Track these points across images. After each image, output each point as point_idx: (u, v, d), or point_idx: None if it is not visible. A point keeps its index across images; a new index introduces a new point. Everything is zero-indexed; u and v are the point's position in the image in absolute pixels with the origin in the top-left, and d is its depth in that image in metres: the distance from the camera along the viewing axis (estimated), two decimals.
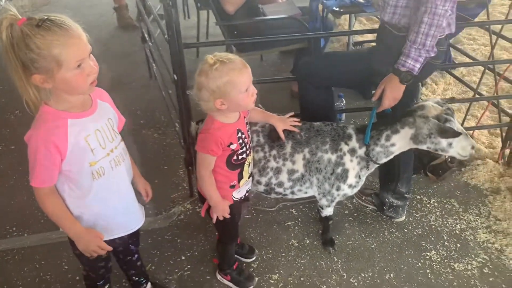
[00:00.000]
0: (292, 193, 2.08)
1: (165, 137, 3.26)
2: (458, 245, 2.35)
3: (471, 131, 3.05)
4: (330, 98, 2.44)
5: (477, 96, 2.94)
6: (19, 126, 3.29)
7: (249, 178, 1.87)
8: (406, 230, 2.44)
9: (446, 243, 2.36)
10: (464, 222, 2.50)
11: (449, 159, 2.86)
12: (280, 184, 2.03)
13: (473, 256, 2.28)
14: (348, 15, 3.75)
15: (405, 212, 2.50)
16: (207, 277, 2.18)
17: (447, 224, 2.48)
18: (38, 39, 1.23)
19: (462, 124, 3.00)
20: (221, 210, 1.79)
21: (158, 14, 3.07)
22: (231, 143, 1.67)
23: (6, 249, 2.33)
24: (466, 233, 2.42)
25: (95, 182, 1.49)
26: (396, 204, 2.43)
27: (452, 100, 2.08)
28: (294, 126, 1.97)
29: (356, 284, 2.15)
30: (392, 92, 1.96)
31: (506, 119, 2.92)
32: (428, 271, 2.21)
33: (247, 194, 1.93)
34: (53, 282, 2.16)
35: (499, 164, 2.85)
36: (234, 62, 1.55)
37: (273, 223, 2.49)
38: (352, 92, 3.43)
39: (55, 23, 1.25)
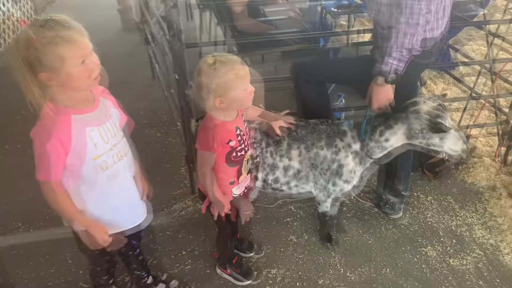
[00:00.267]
0: (289, 188, 2.13)
1: (167, 136, 3.32)
2: (454, 241, 2.39)
3: (468, 130, 3.10)
4: (324, 93, 2.46)
5: (473, 95, 2.98)
6: (24, 125, 3.35)
7: (248, 174, 1.93)
8: (402, 227, 2.49)
9: (442, 239, 2.40)
10: (460, 218, 2.54)
11: (446, 157, 2.90)
12: (276, 180, 2.08)
13: (468, 251, 2.33)
14: (347, 17, 3.80)
15: (402, 209, 2.55)
16: (207, 271, 2.23)
17: (443, 221, 2.52)
18: (43, 38, 1.28)
19: (459, 123, 3.04)
20: (221, 207, 1.84)
21: (161, 16, 3.13)
22: (230, 140, 1.72)
23: (13, 244, 2.40)
24: (462, 229, 2.47)
25: (99, 176, 1.53)
26: (392, 200, 2.48)
27: (444, 96, 2.12)
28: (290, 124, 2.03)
29: (353, 278, 2.20)
30: (379, 93, 1.99)
31: (503, 118, 2.97)
32: (423, 266, 2.25)
33: (245, 190, 1.98)
34: (58, 277, 2.22)
35: (495, 162, 2.89)
36: (232, 62, 1.60)
37: (272, 220, 2.55)
38: (351, 92, 3.47)
39: (58, 22, 1.31)
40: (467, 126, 3.07)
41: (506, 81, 2.97)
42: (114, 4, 5.77)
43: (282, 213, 2.59)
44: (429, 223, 2.51)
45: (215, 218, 1.88)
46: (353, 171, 2.07)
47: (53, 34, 1.29)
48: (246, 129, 1.86)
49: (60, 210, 1.53)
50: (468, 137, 3.07)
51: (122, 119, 1.69)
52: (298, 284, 2.17)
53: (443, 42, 2.12)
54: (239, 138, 1.76)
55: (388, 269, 2.24)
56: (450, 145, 1.93)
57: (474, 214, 2.57)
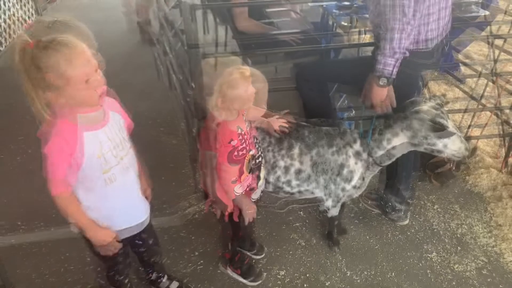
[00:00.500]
0: (299, 192, 2.22)
1: (171, 136, 3.45)
2: (459, 247, 2.45)
3: (476, 141, 3.16)
4: (325, 94, 2.53)
5: (480, 107, 3.06)
6: (26, 125, 3.38)
7: (249, 173, 2.00)
8: (409, 233, 2.56)
9: (447, 246, 2.47)
10: (465, 226, 2.60)
11: (453, 168, 2.98)
12: (288, 183, 2.18)
13: (472, 258, 2.39)
14: (358, 32, 3.91)
15: (408, 217, 2.62)
16: (218, 271, 2.33)
17: (449, 228, 2.59)
18: (47, 59, 1.33)
19: (466, 134, 3.11)
20: (223, 206, 1.92)
21: (179, 29, 3.28)
22: (232, 140, 1.79)
23: (34, 241, 2.52)
24: (467, 237, 2.53)
25: (107, 187, 1.61)
26: (398, 208, 2.56)
27: (443, 96, 2.20)
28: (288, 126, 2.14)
29: (358, 281, 2.27)
30: (375, 97, 2.08)
31: (510, 129, 3.03)
32: (428, 271, 2.32)
33: (247, 189, 2.03)
34: (77, 273, 2.33)
35: (502, 173, 2.95)
36: (234, 63, 1.78)
37: (282, 224, 2.64)
38: (354, 93, 3.56)
39: (61, 43, 1.35)
40: (475, 137, 3.14)
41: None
42: (115, 5, 5.91)
43: (292, 218, 2.68)
44: (435, 230, 2.57)
45: (218, 217, 1.96)
46: (362, 177, 2.16)
47: (56, 56, 1.34)
48: (247, 129, 1.95)
49: (73, 218, 1.60)
50: (475, 148, 3.14)
51: (128, 126, 1.75)
52: (305, 285, 2.25)
53: (443, 43, 2.21)
54: (241, 137, 1.83)
55: (393, 273, 2.31)
56: (453, 150, 2.01)
57: (479, 222, 2.62)
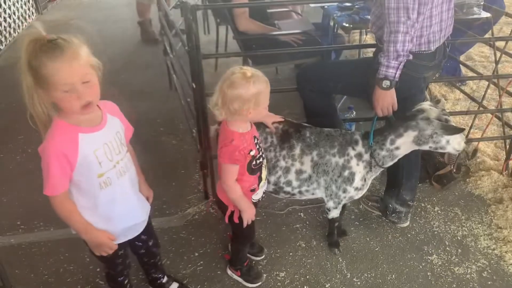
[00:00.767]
0: (300, 193, 2.21)
1: (182, 144, 3.44)
2: (459, 250, 2.45)
3: (476, 143, 3.16)
4: (328, 103, 2.53)
5: (481, 109, 3.05)
6: (26, 125, 3.43)
7: (266, 180, 2.01)
8: (409, 235, 2.55)
9: (447, 248, 2.46)
10: (466, 229, 2.59)
11: (454, 170, 2.97)
12: (289, 183, 2.18)
13: (473, 261, 2.38)
14: (359, 32, 3.92)
15: (409, 219, 2.61)
16: (218, 272, 2.32)
17: (450, 231, 2.58)
18: (38, 58, 1.31)
19: (467, 136, 3.11)
20: (251, 215, 1.92)
21: (180, 29, 3.28)
22: (251, 150, 1.81)
23: (34, 241, 2.51)
24: (467, 239, 2.52)
25: (102, 192, 1.59)
26: (399, 210, 2.55)
27: (440, 99, 2.21)
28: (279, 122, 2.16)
29: (359, 283, 2.26)
30: (378, 100, 2.09)
31: (511, 131, 3.03)
32: (428, 273, 2.31)
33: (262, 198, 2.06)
34: (76, 273, 2.32)
35: (503, 176, 2.94)
36: (262, 75, 1.73)
37: (282, 225, 2.63)
38: (362, 104, 3.57)
39: (56, 45, 1.32)
40: (476, 140, 3.13)
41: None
42: (115, 4, 5.87)
43: (292, 219, 2.67)
44: (436, 232, 2.57)
45: (244, 225, 1.94)
46: (363, 178, 2.15)
47: (45, 57, 1.31)
48: (260, 137, 1.97)
49: (68, 220, 1.59)
50: (475, 150, 3.13)
51: (128, 133, 1.74)
52: (305, 287, 2.24)
53: (445, 45, 2.21)
54: (257, 146, 1.87)
55: (393, 276, 2.30)
56: (455, 145, 2.02)
57: (480, 225, 2.62)
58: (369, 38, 4.70)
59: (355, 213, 2.72)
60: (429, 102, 2.09)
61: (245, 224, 1.94)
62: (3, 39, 5.21)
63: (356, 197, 2.25)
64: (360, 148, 2.12)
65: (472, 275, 2.30)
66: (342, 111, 3.37)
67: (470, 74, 4.14)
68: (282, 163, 2.15)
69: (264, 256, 2.41)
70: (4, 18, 5.26)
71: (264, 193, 2.03)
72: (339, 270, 2.34)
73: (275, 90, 1.85)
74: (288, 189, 2.19)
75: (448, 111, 2.43)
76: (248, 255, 2.34)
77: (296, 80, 2.53)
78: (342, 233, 2.54)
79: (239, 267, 2.26)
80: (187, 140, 3.46)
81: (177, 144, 3.44)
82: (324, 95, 2.48)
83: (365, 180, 2.18)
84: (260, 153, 1.89)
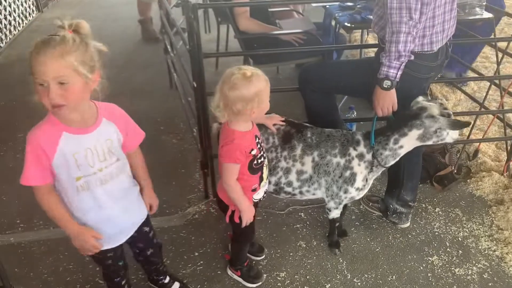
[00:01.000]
0: (301, 193, 2.20)
1: (183, 143, 3.43)
2: (460, 251, 2.44)
3: (478, 144, 3.15)
4: (330, 103, 2.53)
5: (483, 110, 3.05)
6: (27, 123, 3.40)
7: (266, 179, 2.01)
8: (410, 236, 2.55)
9: (448, 249, 2.45)
10: (467, 230, 2.59)
11: (455, 171, 2.97)
12: (289, 184, 2.17)
13: (474, 262, 2.37)
14: (361, 31, 3.91)
15: (410, 219, 2.60)
16: (218, 272, 2.32)
17: (450, 232, 2.57)
18: (34, 47, 1.34)
19: (468, 137, 3.11)
20: (250, 215, 1.92)
21: (181, 28, 3.27)
22: (252, 149, 1.80)
23: (33, 240, 2.51)
24: (468, 240, 2.51)
25: (79, 194, 1.57)
26: (399, 210, 2.54)
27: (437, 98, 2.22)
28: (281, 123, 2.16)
29: (359, 284, 2.26)
30: (378, 100, 2.09)
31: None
32: (429, 274, 2.30)
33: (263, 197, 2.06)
34: (75, 272, 2.31)
35: (504, 177, 2.93)
36: (262, 74, 1.72)
37: (283, 225, 2.62)
38: (363, 104, 3.57)
39: (50, 40, 1.34)
40: (477, 140, 3.13)
41: None
42: (115, 3, 5.83)
43: (292, 219, 2.66)
44: (436, 233, 2.56)
45: (243, 226, 1.93)
46: (365, 179, 2.15)
47: (35, 48, 1.33)
48: (261, 136, 1.96)
49: (51, 214, 1.57)
50: (476, 151, 3.13)
51: (132, 138, 1.71)
52: (306, 287, 2.24)
53: (448, 45, 2.21)
54: (259, 145, 1.86)
55: (394, 277, 2.29)
56: (453, 135, 2.05)
57: (481, 226, 2.61)
58: (370, 38, 4.69)
59: (355, 214, 2.71)
60: (422, 97, 2.08)
61: (243, 225, 1.93)
62: (3, 37, 5.20)
63: (357, 198, 2.25)
64: (361, 148, 2.12)
65: (473, 277, 2.29)
66: (343, 111, 3.37)
67: (472, 74, 4.15)
68: (283, 164, 2.14)
69: (264, 256, 2.40)
70: (5, 15, 5.25)
71: (265, 193, 2.02)
72: (340, 271, 2.33)
73: (276, 89, 1.85)
74: (288, 189, 2.19)
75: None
76: (248, 255, 2.34)
77: (297, 80, 2.53)
78: (343, 233, 2.54)
79: (239, 267, 2.25)
80: (187, 139, 3.45)
81: (177, 143, 3.44)
82: (326, 95, 2.47)
83: (366, 180, 2.17)
84: (262, 153, 1.88)
